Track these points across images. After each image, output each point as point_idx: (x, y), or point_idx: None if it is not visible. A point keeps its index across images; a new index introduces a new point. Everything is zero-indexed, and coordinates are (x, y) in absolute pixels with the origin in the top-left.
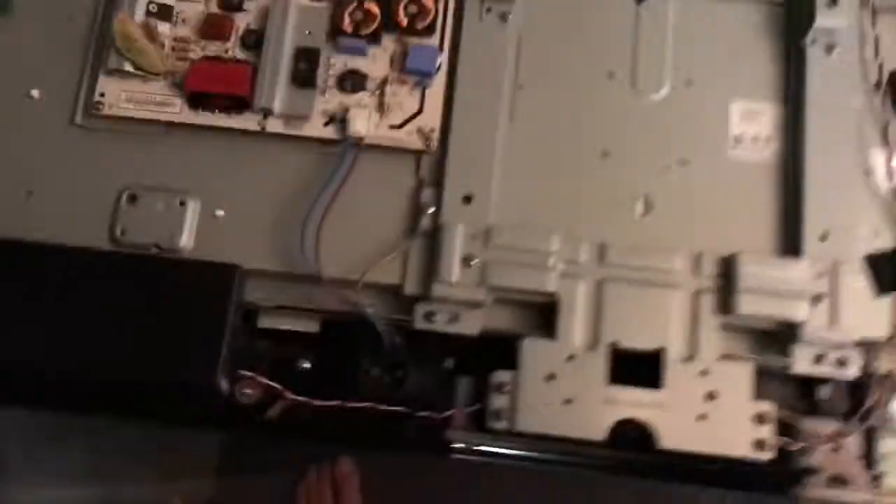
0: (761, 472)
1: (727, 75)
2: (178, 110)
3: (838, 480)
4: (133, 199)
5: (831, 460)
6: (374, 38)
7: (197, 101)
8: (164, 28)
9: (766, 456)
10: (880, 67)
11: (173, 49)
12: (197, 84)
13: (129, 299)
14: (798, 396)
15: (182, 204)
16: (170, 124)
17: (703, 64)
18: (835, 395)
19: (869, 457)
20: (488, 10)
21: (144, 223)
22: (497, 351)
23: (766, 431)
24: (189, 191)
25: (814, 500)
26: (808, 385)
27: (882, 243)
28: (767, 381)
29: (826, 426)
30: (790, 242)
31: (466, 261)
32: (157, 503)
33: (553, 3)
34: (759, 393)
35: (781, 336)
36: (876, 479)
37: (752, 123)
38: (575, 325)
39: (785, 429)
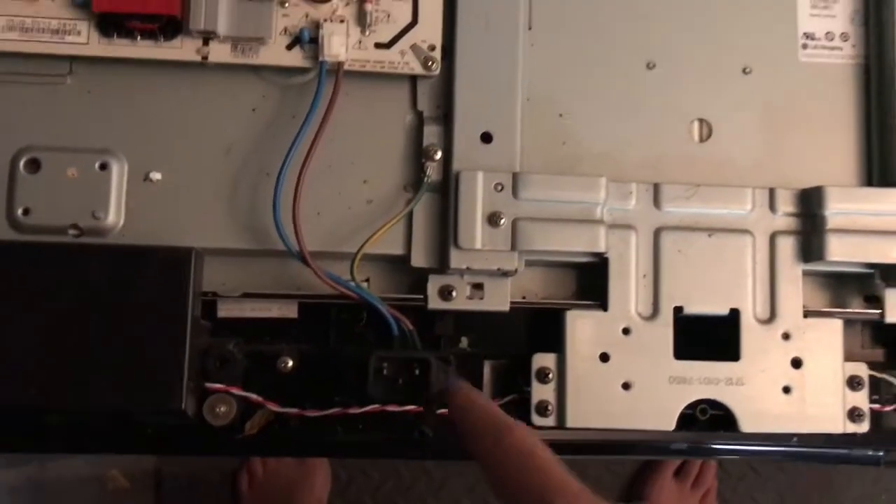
0: (851, 442)
1: None
2: (85, 39)
3: None
4: (34, 165)
5: None
6: None
7: (109, 25)
8: None
9: (863, 427)
10: None
11: None
12: (106, 1)
13: (47, 306)
14: (873, 345)
15: (103, 168)
16: (74, 59)
17: None
18: None
19: None
20: None
21: (54, 197)
22: (525, 323)
23: (861, 398)
24: (110, 149)
25: None
26: (891, 332)
27: None
28: (847, 333)
29: None
30: (882, 168)
31: (492, 220)
32: (94, 478)
33: None
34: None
35: (864, 280)
36: None
37: (825, 16)
38: (630, 290)
39: (871, 387)
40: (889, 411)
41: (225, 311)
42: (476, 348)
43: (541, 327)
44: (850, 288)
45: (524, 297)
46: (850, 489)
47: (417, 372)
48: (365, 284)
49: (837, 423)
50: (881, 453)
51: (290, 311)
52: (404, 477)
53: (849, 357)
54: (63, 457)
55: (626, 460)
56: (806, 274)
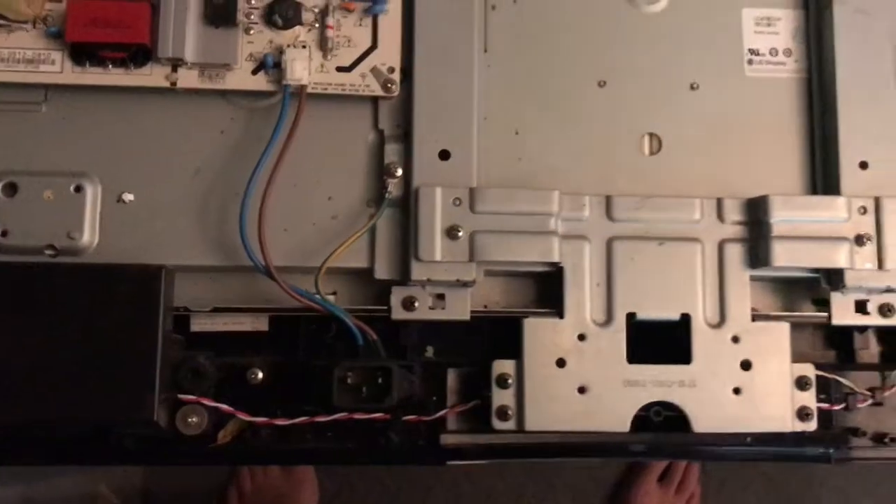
0: (801, 440)
1: None
2: (59, 68)
3: (883, 437)
4: (12, 188)
5: (872, 416)
6: None
7: (82, 54)
8: None
9: (811, 426)
10: None
11: None
12: (79, 32)
13: (25, 324)
14: (825, 347)
15: (78, 190)
16: (49, 87)
17: None
18: (867, 343)
19: None
20: None
21: (31, 219)
22: (488, 332)
23: (809, 397)
24: (85, 173)
25: (856, 460)
26: (837, 333)
27: None
28: (797, 335)
29: (864, 379)
30: (825, 176)
31: (451, 233)
32: (85, 496)
33: None
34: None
35: (812, 284)
36: None
37: (769, 33)
38: (584, 298)
39: (819, 386)
40: (838, 410)
41: (198, 325)
42: (441, 357)
43: (502, 335)
44: (800, 292)
45: (486, 307)
46: (832, 492)
47: (381, 380)
48: (332, 297)
49: (786, 423)
50: (831, 451)
51: (261, 324)
52: (390, 487)
53: (801, 358)
54: (52, 475)
55: (602, 465)
56: (756, 279)
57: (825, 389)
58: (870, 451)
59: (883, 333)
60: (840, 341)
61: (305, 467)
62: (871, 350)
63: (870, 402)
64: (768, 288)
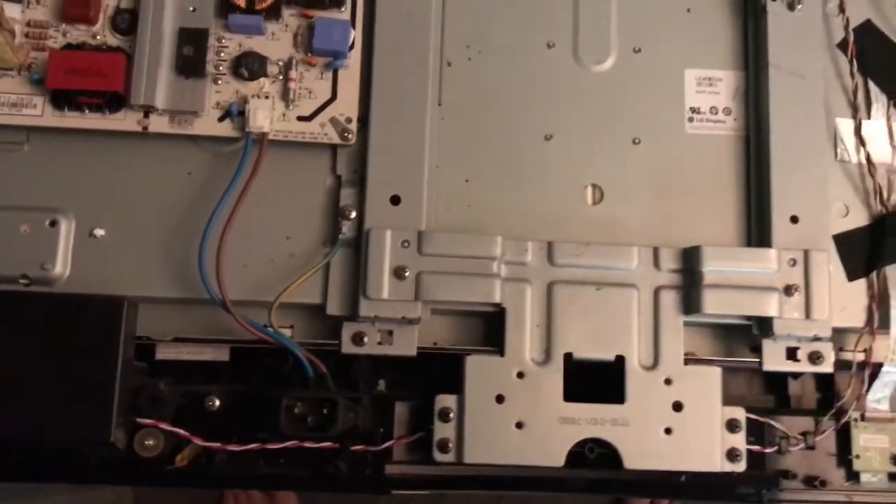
0: (733, 480)
1: (679, 39)
2: (39, 112)
3: (813, 481)
4: None
5: (804, 460)
6: (273, 13)
7: (61, 99)
8: (13, 11)
9: (740, 467)
10: (846, 25)
11: (27, 36)
12: (59, 79)
13: None
14: (765, 392)
15: (52, 224)
16: (31, 129)
17: (651, 28)
18: (800, 388)
19: (843, 454)
20: None
21: (7, 250)
22: (439, 367)
23: (738, 439)
24: (60, 208)
25: (787, 502)
26: (776, 379)
27: (852, 221)
28: (730, 378)
29: (798, 423)
30: (759, 229)
31: (398, 273)
32: None
33: None
34: (724, 392)
35: (750, 331)
36: (853, 477)
37: (710, 93)
38: (524, 338)
39: (754, 429)
40: (771, 453)
41: (163, 354)
42: (392, 390)
43: (451, 371)
44: (738, 338)
45: (436, 343)
46: None
47: (326, 411)
48: (289, 331)
49: (715, 463)
50: (764, 491)
51: (222, 354)
52: None
53: (741, 401)
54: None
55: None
56: (696, 325)
57: (759, 432)
58: (800, 493)
59: (821, 380)
60: (778, 387)
61: None
62: (809, 396)
63: (802, 445)
64: (708, 333)
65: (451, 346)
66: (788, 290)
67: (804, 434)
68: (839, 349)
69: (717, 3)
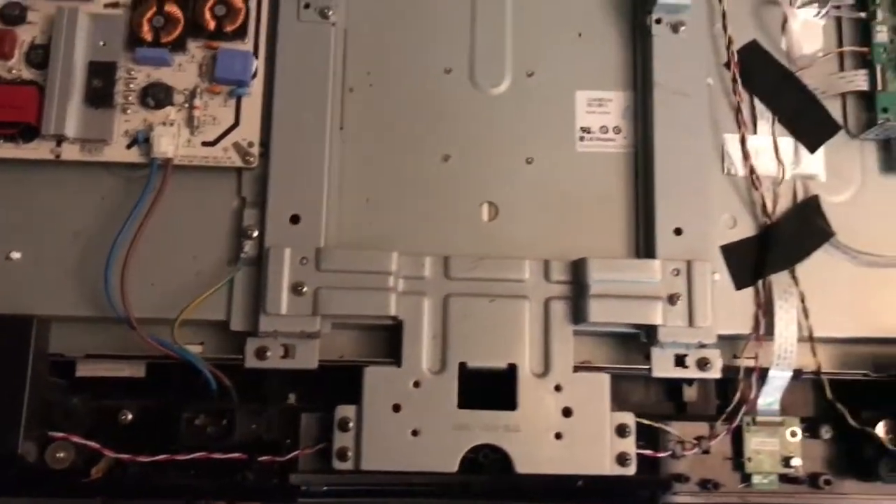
0: (627, 483)
1: (571, 62)
2: None
3: (707, 483)
4: None
5: (699, 464)
6: (179, 45)
7: None
8: None
9: (630, 471)
10: (729, 44)
11: None
12: None
13: None
14: (665, 398)
15: None
16: None
17: (544, 52)
18: (701, 395)
19: (738, 457)
20: (306, 6)
21: None
22: (346, 381)
23: (628, 444)
24: None
25: None
26: (675, 385)
27: (740, 233)
28: (631, 385)
29: (694, 429)
30: (645, 241)
31: (296, 289)
32: None
33: None
34: (624, 398)
35: (640, 339)
36: (746, 479)
37: (600, 113)
38: (421, 348)
39: (650, 434)
40: (665, 457)
41: (83, 371)
42: (302, 402)
43: (356, 382)
44: (633, 346)
45: (342, 356)
46: None
47: (225, 422)
48: (200, 347)
49: (605, 466)
50: (658, 494)
51: (138, 370)
52: None
53: (639, 407)
54: None
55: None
56: (591, 333)
57: (654, 438)
58: (695, 496)
59: (720, 386)
60: (677, 393)
61: None
62: (711, 401)
63: (696, 450)
64: (605, 341)
65: (351, 359)
66: (672, 299)
67: (699, 438)
68: (733, 356)
69: (606, 28)
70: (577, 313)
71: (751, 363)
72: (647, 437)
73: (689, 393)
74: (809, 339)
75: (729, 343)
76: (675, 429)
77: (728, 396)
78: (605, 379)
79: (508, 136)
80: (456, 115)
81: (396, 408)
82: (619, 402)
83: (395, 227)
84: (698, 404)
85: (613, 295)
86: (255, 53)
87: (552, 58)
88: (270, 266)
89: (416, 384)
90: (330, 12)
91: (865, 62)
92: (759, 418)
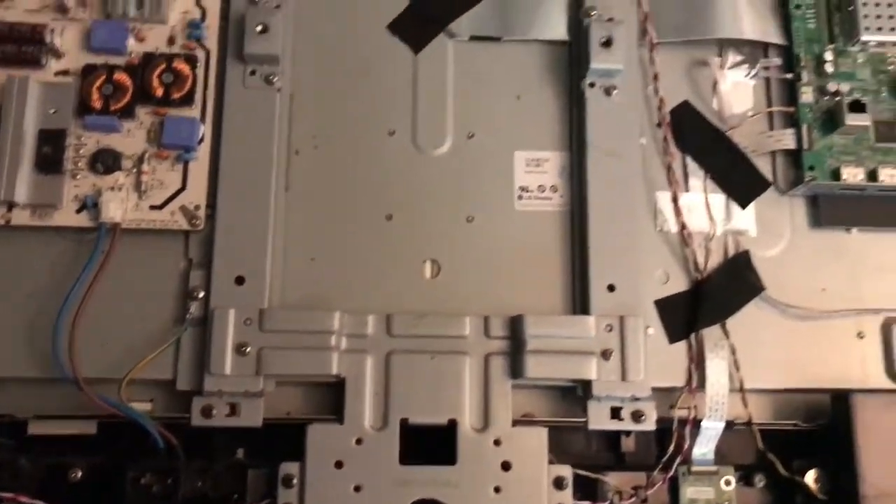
0: None
1: (511, 124)
2: None
3: None
4: None
5: None
6: (127, 112)
7: None
8: None
9: None
10: (661, 106)
11: None
12: None
13: None
14: (605, 448)
15: None
16: None
17: (484, 114)
18: (640, 445)
19: None
20: (252, 72)
21: None
22: (294, 436)
23: (565, 496)
24: None
25: None
26: (615, 436)
27: (673, 287)
28: (573, 436)
29: (632, 479)
30: (581, 298)
31: (239, 349)
32: None
33: (326, 61)
34: (566, 449)
35: (577, 392)
36: None
37: (538, 173)
38: (363, 406)
39: (588, 486)
40: None
41: (35, 429)
42: (250, 458)
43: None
44: (574, 399)
45: (288, 413)
46: None
47: (170, 481)
48: (149, 405)
49: None
50: None
51: (90, 428)
52: None
53: (580, 459)
54: None
55: None
56: (531, 387)
57: (592, 489)
58: None
59: (659, 436)
60: (616, 444)
61: None
62: (650, 452)
63: (634, 500)
64: (547, 395)
65: (299, 416)
66: (605, 355)
67: (637, 488)
68: (669, 406)
69: (544, 91)
70: (515, 369)
71: (685, 414)
72: (587, 488)
73: (628, 443)
74: (741, 391)
75: (665, 394)
76: (614, 479)
77: (666, 446)
78: (543, 433)
79: (450, 195)
80: (399, 176)
81: (339, 464)
82: (561, 453)
83: (340, 286)
84: (638, 454)
85: (549, 351)
86: (203, 119)
87: (492, 120)
88: (215, 327)
89: (359, 441)
90: (275, 78)
91: (793, 121)
92: (694, 468)
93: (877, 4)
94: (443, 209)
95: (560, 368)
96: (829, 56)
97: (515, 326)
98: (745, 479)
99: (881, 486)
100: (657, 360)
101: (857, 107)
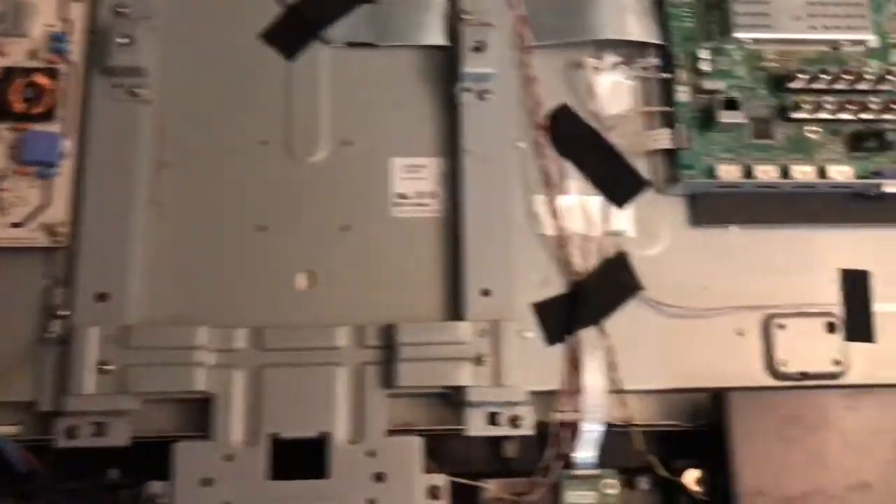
0: None
1: (387, 130)
2: None
3: None
4: None
5: None
6: None
7: None
8: None
9: None
10: (537, 109)
11: None
12: None
13: None
14: (489, 455)
15: None
16: None
17: (361, 121)
18: (524, 451)
19: None
20: (117, 85)
21: None
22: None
23: None
24: None
25: None
26: (497, 442)
27: (551, 291)
28: (457, 443)
29: (514, 485)
30: (457, 303)
31: (101, 368)
32: None
33: (197, 71)
34: (449, 457)
35: (454, 399)
36: None
37: (416, 179)
38: (232, 421)
39: (468, 494)
40: None
41: None
42: (124, 479)
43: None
44: (451, 406)
45: (158, 431)
46: None
47: None
48: (14, 428)
49: None
50: None
51: None
52: None
53: (466, 466)
54: None
55: None
56: (397, 396)
57: (472, 497)
58: None
59: (543, 441)
60: (497, 450)
61: None
62: (535, 456)
63: None
64: (425, 402)
65: (169, 434)
66: (479, 360)
67: (519, 494)
68: (551, 410)
69: (422, 96)
70: (389, 378)
71: (564, 418)
72: (468, 496)
73: (511, 449)
74: (620, 392)
75: (546, 398)
76: (496, 486)
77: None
78: (417, 442)
79: (325, 204)
80: (272, 187)
81: (207, 482)
82: (445, 462)
83: (210, 301)
84: (522, 460)
85: (423, 358)
86: (66, 134)
87: (368, 127)
88: (75, 346)
89: (228, 458)
90: (141, 90)
91: (670, 121)
92: (577, 472)
93: (751, 2)
94: (318, 219)
95: (433, 376)
96: (705, 54)
97: (389, 335)
98: (629, 481)
99: (756, 484)
100: (536, 363)
101: (731, 104)
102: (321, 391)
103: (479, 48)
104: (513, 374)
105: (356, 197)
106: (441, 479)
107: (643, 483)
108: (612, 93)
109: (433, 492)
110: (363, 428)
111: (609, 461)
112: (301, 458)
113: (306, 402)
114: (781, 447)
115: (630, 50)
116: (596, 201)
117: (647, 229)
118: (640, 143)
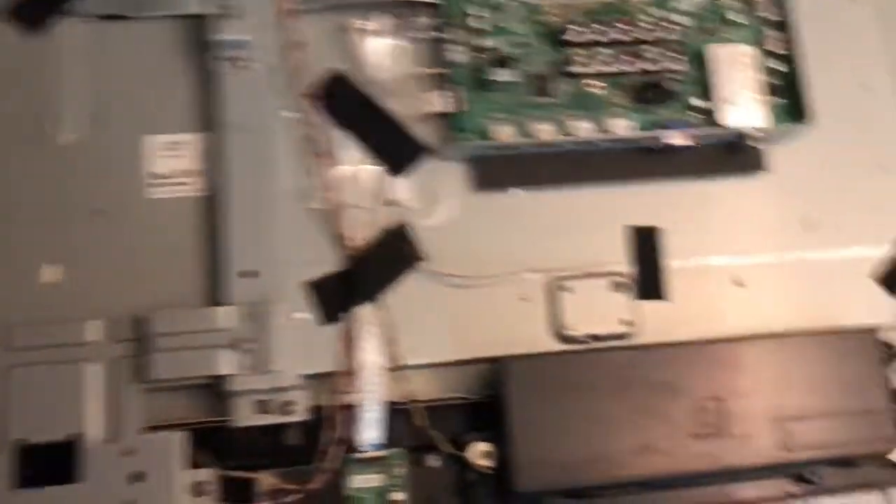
0: None
1: (142, 107)
2: None
3: None
4: None
5: None
6: None
7: None
8: None
9: None
10: (305, 76)
11: None
12: None
13: None
14: (269, 446)
15: None
16: None
17: (114, 98)
18: (306, 438)
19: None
20: None
21: None
22: None
23: (209, 501)
24: None
25: None
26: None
27: (327, 267)
28: (231, 436)
29: (296, 474)
30: (221, 287)
31: None
32: None
33: None
34: (224, 451)
35: (218, 389)
36: None
37: (175, 157)
38: None
39: (245, 487)
40: None
41: None
42: None
43: None
44: (217, 396)
45: None
46: None
47: None
48: None
49: None
50: None
51: None
52: None
53: (244, 460)
54: None
55: None
56: (157, 390)
57: (247, 490)
58: None
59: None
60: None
61: None
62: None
63: (299, 496)
64: (189, 395)
65: None
66: (242, 346)
67: (302, 483)
68: (332, 393)
69: (180, 69)
70: (142, 371)
71: (341, 400)
72: (242, 489)
73: (293, 436)
74: (400, 368)
75: (324, 381)
76: (276, 476)
77: (329, 436)
78: (177, 437)
79: (72, 188)
80: (16, 173)
81: None
82: (220, 456)
83: None
84: (307, 448)
85: (179, 348)
86: None
87: (122, 104)
88: None
89: None
90: None
91: (447, 83)
92: (360, 455)
93: None
94: (66, 204)
95: (190, 366)
96: (479, 11)
97: (143, 326)
98: (417, 460)
99: (534, 452)
100: (310, 345)
101: (502, 62)
102: (71, 391)
103: (229, 14)
104: (282, 358)
105: (108, 179)
106: (206, 475)
107: (432, 461)
108: (385, 56)
109: (197, 488)
110: (119, 426)
111: (397, 441)
112: (57, 463)
113: (55, 403)
114: (562, 413)
115: (403, 10)
116: (373, 171)
117: (427, 197)
118: (417, 107)
